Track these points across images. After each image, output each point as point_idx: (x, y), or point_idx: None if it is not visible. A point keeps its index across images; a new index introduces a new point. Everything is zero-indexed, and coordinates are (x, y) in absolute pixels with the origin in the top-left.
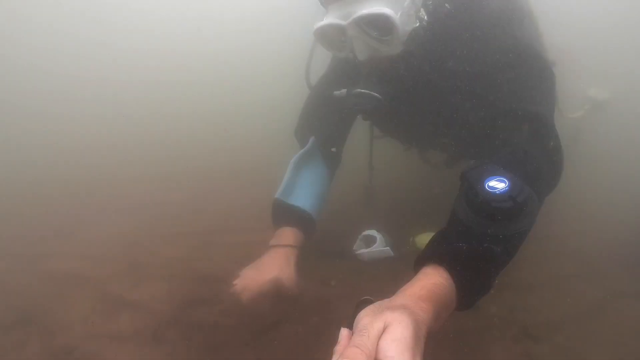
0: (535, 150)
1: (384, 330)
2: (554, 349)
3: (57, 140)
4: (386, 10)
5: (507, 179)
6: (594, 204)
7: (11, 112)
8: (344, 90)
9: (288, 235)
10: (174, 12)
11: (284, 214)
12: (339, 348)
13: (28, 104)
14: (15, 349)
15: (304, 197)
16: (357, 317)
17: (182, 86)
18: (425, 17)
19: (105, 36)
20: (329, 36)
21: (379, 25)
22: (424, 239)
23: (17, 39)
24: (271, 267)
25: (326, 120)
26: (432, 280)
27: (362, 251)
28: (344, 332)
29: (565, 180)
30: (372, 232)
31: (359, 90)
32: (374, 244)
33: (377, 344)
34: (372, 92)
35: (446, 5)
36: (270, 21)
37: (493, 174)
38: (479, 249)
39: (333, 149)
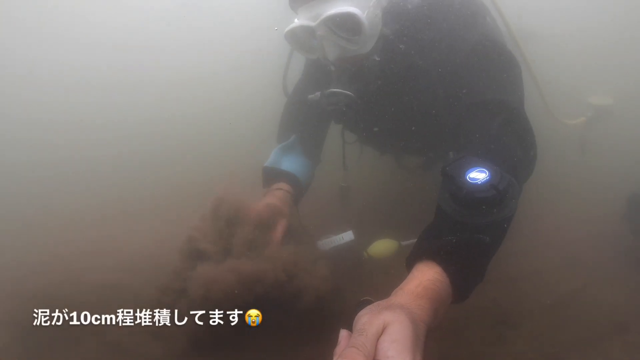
0: (509, 139)
1: (383, 330)
2: (526, 333)
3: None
4: (352, 9)
5: (486, 168)
6: (576, 199)
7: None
8: (317, 93)
9: (280, 186)
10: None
11: (274, 175)
12: (338, 350)
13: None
14: (72, 345)
15: (290, 165)
16: (356, 317)
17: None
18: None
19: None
20: (299, 38)
21: (347, 25)
22: (377, 247)
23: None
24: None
25: (305, 123)
26: (426, 277)
27: (324, 241)
28: (343, 333)
29: (548, 177)
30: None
31: (331, 90)
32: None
33: (377, 345)
34: (343, 91)
35: (409, 6)
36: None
37: (473, 165)
38: (468, 241)
39: (312, 148)
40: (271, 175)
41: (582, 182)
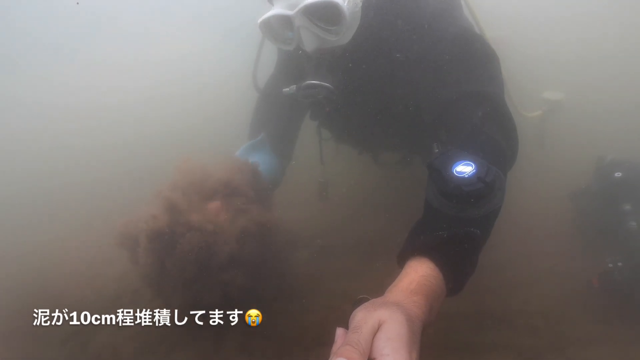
0: (492, 130)
1: (379, 328)
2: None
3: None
4: None
5: (472, 161)
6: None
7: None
8: (293, 87)
9: None
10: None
11: None
12: (334, 348)
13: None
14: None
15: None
16: (351, 315)
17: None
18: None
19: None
20: (274, 29)
21: (326, 14)
22: None
23: None
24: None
25: (276, 119)
26: (419, 273)
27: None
28: (339, 331)
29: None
30: None
31: (309, 82)
32: None
33: (372, 342)
34: (322, 83)
35: None
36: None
37: (459, 158)
38: (458, 234)
39: (282, 146)
40: None
41: (536, 175)
